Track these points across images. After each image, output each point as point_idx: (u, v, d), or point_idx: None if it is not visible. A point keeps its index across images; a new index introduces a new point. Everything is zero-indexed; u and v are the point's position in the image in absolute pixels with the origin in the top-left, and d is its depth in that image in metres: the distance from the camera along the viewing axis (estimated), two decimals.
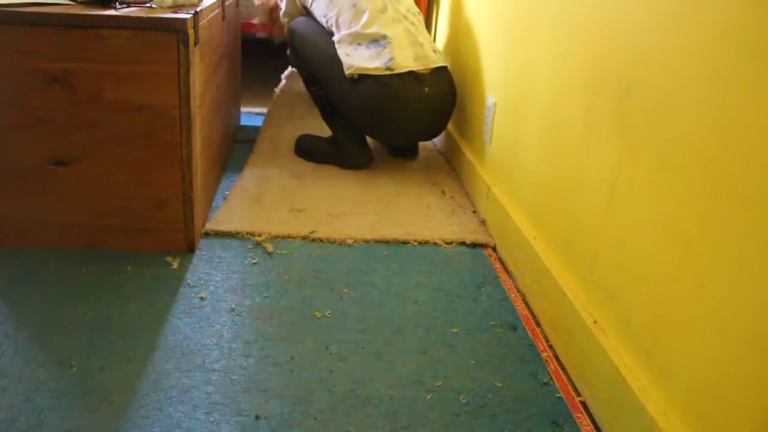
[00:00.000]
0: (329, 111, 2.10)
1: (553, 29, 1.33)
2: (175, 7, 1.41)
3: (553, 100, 1.31)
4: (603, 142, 1.09)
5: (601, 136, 1.09)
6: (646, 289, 0.93)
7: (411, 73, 1.88)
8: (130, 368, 1.08)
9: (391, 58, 1.87)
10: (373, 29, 1.91)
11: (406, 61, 1.89)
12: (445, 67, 1.98)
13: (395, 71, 1.87)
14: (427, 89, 1.90)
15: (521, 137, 1.49)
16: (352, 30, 1.93)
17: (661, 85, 0.92)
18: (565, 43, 1.26)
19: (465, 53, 2.06)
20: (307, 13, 2.20)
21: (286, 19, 2.34)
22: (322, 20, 2.05)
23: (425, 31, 2.02)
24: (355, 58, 1.90)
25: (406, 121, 1.95)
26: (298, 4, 2.23)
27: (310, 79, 2.13)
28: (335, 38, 1.97)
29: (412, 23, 1.98)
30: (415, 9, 2.06)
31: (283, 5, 2.31)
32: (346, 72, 1.90)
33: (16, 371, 1.05)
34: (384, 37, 1.90)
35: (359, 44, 1.92)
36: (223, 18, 1.79)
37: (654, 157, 0.93)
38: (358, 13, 1.94)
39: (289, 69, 2.65)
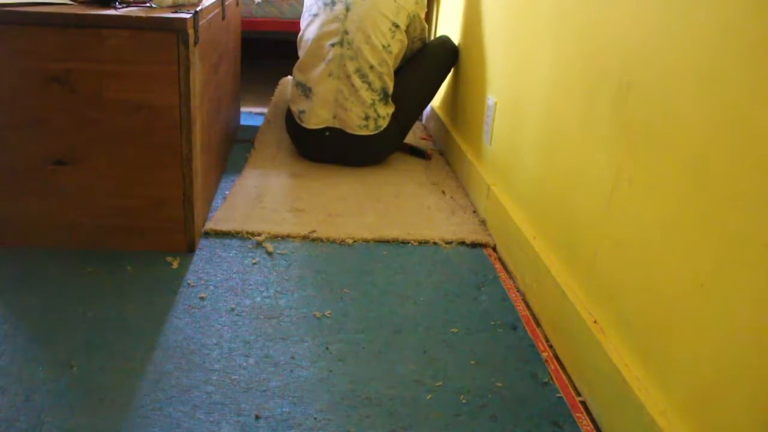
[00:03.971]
0: None
1: (553, 29, 1.33)
2: (175, 7, 1.41)
3: (553, 100, 1.31)
4: (603, 141, 1.09)
5: (601, 136, 1.09)
6: (646, 289, 0.93)
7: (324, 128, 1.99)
8: (130, 368, 1.08)
9: (304, 111, 1.99)
10: (301, 77, 2.01)
11: (318, 120, 1.98)
12: (370, 138, 1.97)
13: (303, 123, 1.99)
14: (327, 134, 1.98)
15: (521, 137, 1.49)
16: (297, 65, 2.03)
17: (661, 84, 0.92)
18: (565, 42, 1.26)
19: (465, 52, 2.06)
20: None
21: None
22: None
23: (369, 95, 1.94)
24: (290, 91, 2.06)
25: (311, 151, 2.07)
26: None
27: None
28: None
29: (353, 85, 1.93)
30: (382, 67, 1.94)
31: None
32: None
33: (16, 371, 1.05)
34: (309, 89, 1.98)
35: (295, 84, 2.03)
36: (223, 18, 1.79)
37: (654, 157, 0.93)
38: (305, 50, 2.01)
39: None
